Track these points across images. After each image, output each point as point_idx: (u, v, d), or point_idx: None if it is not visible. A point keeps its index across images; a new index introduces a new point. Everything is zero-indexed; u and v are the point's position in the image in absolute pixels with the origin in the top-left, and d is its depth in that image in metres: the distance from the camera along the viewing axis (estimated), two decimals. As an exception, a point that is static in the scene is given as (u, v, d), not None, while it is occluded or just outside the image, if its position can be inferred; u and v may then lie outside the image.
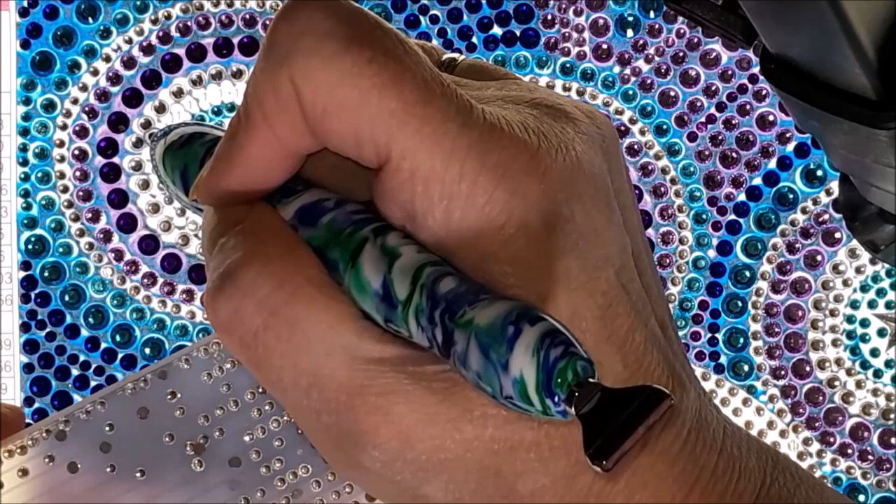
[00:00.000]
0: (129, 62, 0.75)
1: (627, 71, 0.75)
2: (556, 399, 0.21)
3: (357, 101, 0.23)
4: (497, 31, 0.75)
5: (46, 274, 0.75)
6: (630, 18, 0.75)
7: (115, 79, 0.74)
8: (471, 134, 0.24)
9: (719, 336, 0.75)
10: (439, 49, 0.29)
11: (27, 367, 0.74)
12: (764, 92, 0.74)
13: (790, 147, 0.75)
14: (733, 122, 0.75)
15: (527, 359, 0.21)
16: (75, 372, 0.75)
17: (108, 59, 0.74)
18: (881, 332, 0.75)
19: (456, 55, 0.29)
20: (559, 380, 0.21)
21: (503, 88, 0.27)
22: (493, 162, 0.24)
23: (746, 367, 0.75)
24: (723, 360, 0.75)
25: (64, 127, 0.74)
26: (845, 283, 0.75)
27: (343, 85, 0.23)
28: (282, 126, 0.24)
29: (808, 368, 0.75)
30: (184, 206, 0.26)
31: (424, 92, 0.24)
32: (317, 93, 0.24)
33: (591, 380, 0.21)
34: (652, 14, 0.74)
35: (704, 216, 0.75)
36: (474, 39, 0.75)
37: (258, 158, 0.25)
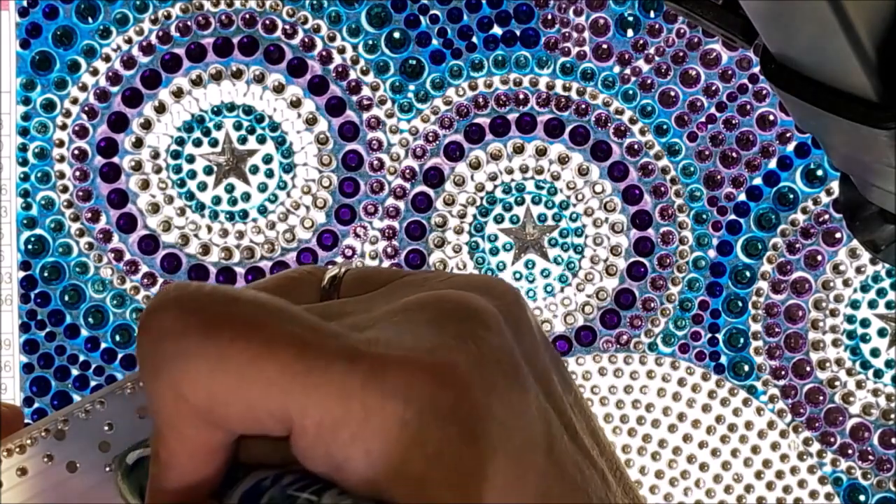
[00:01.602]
0: (129, 62, 0.74)
1: (627, 71, 0.75)
2: None
3: (235, 382, 0.24)
4: (497, 30, 0.75)
5: (46, 274, 0.75)
6: (630, 18, 0.74)
7: (114, 79, 0.74)
8: (360, 369, 0.23)
9: (719, 336, 0.75)
10: (318, 269, 0.29)
11: (27, 367, 0.74)
12: (764, 92, 0.74)
13: (790, 147, 0.75)
14: (733, 121, 0.75)
15: None
16: (75, 372, 0.75)
17: (107, 58, 0.74)
18: (882, 333, 0.74)
19: (337, 270, 0.29)
20: None
21: (391, 296, 0.27)
22: (391, 389, 0.23)
23: (747, 367, 0.75)
24: (723, 360, 0.75)
25: (64, 127, 0.74)
26: (846, 283, 0.75)
27: (217, 373, 0.24)
28: (187, 430, 0.24)
29: (808, 368, 0.75)
30: None
31: (300, 347, 0.23)
32: (197, 390, 0.24)
33: None
34: (652, 14, 0.74)
35: (705, 216, 0.75)
36: (474, 39, 0.75)
37: (184, 466, 0.25)
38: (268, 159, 0.75)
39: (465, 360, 0.24)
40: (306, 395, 0.23)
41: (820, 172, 0.75)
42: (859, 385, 0.75)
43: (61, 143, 0.74)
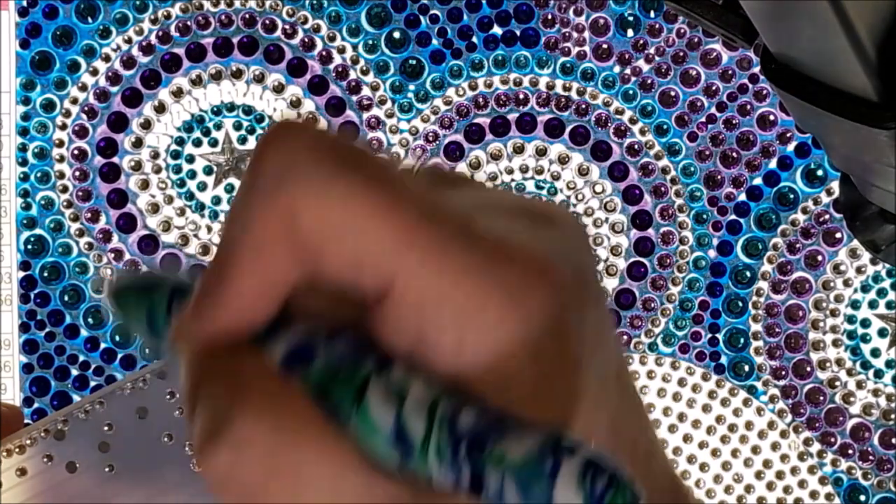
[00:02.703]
0: (129, 62, 0.74)
1: (628, 71, 0.75)
2: None
3: (358, 227, 0.23)
4: (497, 30, 0.75)
5: (46, 274, 0.75)
6: (630, 18, 0.74)
7: (114, 78, 0.74)
8: (476, 254, 0.23)
9: (720, 336, 0.75)
10: (395, 159, 0.29)
11: (27, 368, 0.74)
12: (764, 92, 0.74)
13: (791, 147, 0.75)
14: (734, 121, 0.75)
15: (572, 492, 0.20)
16: (75, 372, 0.75)
17: (107, 58, 0.74)
18: (882, 333, 0.74)
19: (414, 164, 0.28)
20: None
21: (476, 195, 0.26)
22: (501, 281, 0.23)
23: (747, 368, 0.75)
24: (723, 360, 0.75)
25: (63, 127, 0.74)
26: (846, 284, 0.75)
27: (342, 208, 0.23)
28: (274, 258, 0.23)
29: (808, 369, 0.75)
30: (152, 353, 0.26)
31: (423, 214, 0.23)
32: (313, 217, 0.23)
33: None
34: (652, 14, 0.74)
35: (705, 216, 0.75)
36: (474, 39, 0.75)
37: (246, 296, 0.24)
38: (268, 159, 0.75)
39: (564, 274, 0.23)
40: (420, 264, 0.22)
41: (820, 172, 0.75)
42: (860, 385, 0.75)
43: (61, 143, 0.74)
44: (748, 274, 0.75)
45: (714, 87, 0.74)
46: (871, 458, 0.75)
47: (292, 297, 0.24)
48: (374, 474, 0.22)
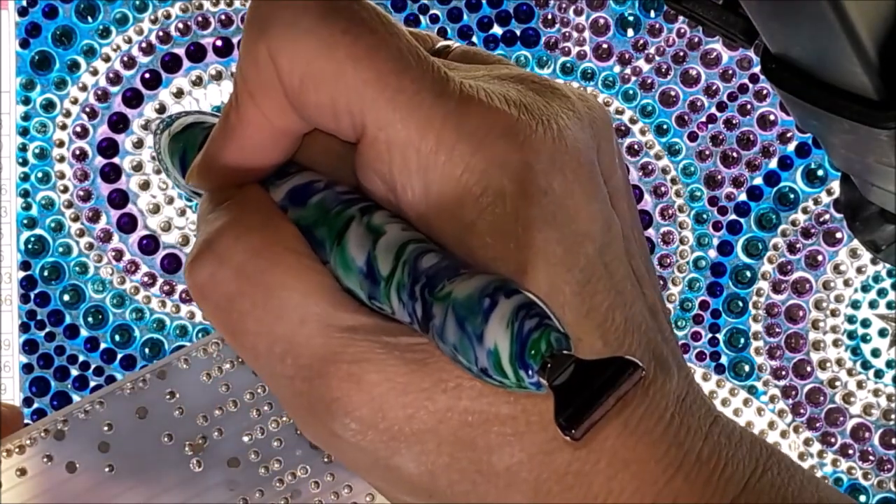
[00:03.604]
0: (129, 62, 0.74)
1: (628, 70, 0.75)
2: (530, 370, 0.21)
3: (332, 72, 0.24)
4: (497, 30, 0.75)
5: (46, 274, 0.75)
6: (630, 18, 0.74)
7: (114, 78, 0.74)
8: (447, 103, 0.24)
9: (720, 336, 0.75)
10: (434, 36, 0.29)
11: (26, 368, 0.74)
12: (765, 91, 0.74)
13: (791, 147, 0.75)
14: (734, 121, 0.75)
15: (501, 330, 0.21)
16: (74, 372, 0.74)
17: (107, 58, 0.74)
18: (882, 333, 0.74)
19: (451, 42, 0.29)
20: (532, 351, 0.21)
21: (493, 70, 0.27)
22: (469, 130, 0.23)
23: (747, 368, 0.75)
24: (723, 360, 0.75)
25: (64, 127, 0.74)
26: (846, 284, 0.75)
27: (318, 56, 0.24)
28: (266, 101, 0.24)
29: (808, 369, 0.75)
30: (185, 192, 0.27)
31: (399, 62, 0.24)
32: (293, 64, 0.24)
33: (564, 352, 0.21)
34: (652, 13, 0.74)
35: (705, 216, 0.75)
36: (474, 39, 0.75)
37: (249, 138, 0.25)
38: (268, 159, 0.75)
39: (542, 134, 0.24)
40: (389, 110, 0.23)
41: (821, 172, 0.75)
42: (860, 385, 0.75)
43: (61, 144, 0.74)
44: (748, 274, 0.75)
45: (714, 87, 0.74)
46: (871, 458, 0.75)
47: (302, 155, 0.25)
48: (342, 304, 0.24)
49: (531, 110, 0.24)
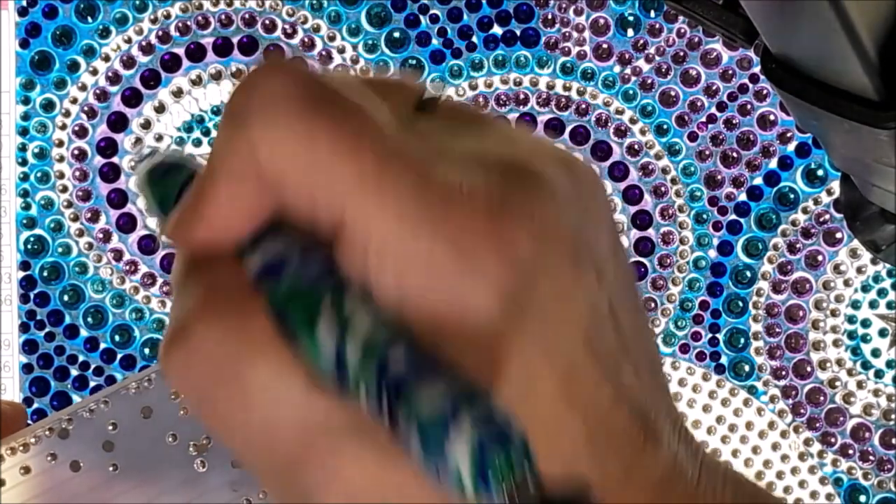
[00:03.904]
0: (129, 62, 0.74)
1: (628, 70, 0.75)
2: (492, 492, 0.21)
3: (312, 167, 0.24)
4: (497, 30, 0.75)
5: (45, 274, 0.75)
6: (630, 18, 0.74)
7: (114, 78, 0.74)
8: (427, 204, 0.23)
9: (720, 336, 0.75)
10: (422, 87, 0.29)
11: (26, 368, 0.74)
12: (765, 91, 0.74)
13: (791, 147, 0.75)
14: (734, 121, 0.75)
15: (462, 450, 0.21)
16: (74, 372, 0.74)
17: (107, 58, 0.74)
18: (882, 333, 0.75)
19: (438, 93, 0.29)
20: (493, 472, 0.21)
21: (480, 140, 0.27)
22: (448, 234, 0.23)
23: (747, 368, 0.75)
24: (724, 360, 0.75)
25: (63, 127, 0.74)
26: (846, 284, 0.75)
27: (299, 151, 0.24)
28: (243, 184, 0.24)
29: (809, 369, 0.75)
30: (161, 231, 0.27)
31: (382, 159, 0.24)
32: (273, 157, 0.24)
33: (528, 474, 0.21)
34: (652, 13, 0.74)
35: (705, 216, 0.75)
36: (474, 39, 0.75)
37: (223, 213, 0.25)
38: (268, 159, 0.75)
39: (524, 233, 0.24)
40: (368, 209, 0.23)
41: (821, 172, 0.75)
42: (860, 385, 0.75)
43: (61, 143, 0.74)
44: (748, 274, 0.75)
45: (714, 87, 0.74)
46: (871, 458, 0.75)
47: (283, 209, 0.25)
48: (317, 393, 0.23)
49: (513, 207, 0.24)
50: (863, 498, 0.75)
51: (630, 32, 0.74)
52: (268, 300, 0.24)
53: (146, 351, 0.74)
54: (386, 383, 0.22)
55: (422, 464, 0.22)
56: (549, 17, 0.75)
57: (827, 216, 0.75)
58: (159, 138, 0.75)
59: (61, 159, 0.74)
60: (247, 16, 0.75)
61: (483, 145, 0.26)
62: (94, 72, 0.74)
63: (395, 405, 0.22)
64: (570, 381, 0.24)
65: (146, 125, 0.75)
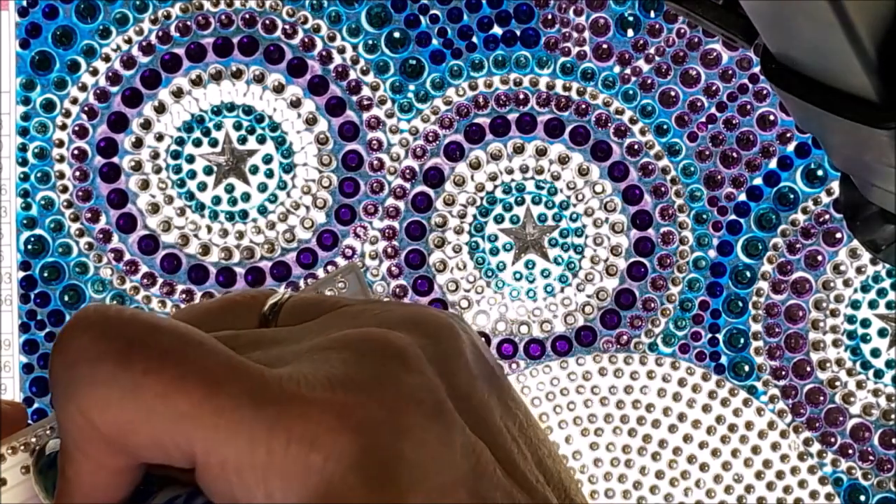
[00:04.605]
0: (129, 62, 0.74)
1: (628, 71, 0.75)
2: None
3: (145, 413, 0.24)
4: (497, 30, 0.75)
5: (46, 274, 0.75)
6: (630, 18, 0.75)
7: (114, 78, 0.74)
8: (269, 411, 0.23)
9: (720, 336, 0.75)
10: (264, 294, 0.29)
11: (26, 368, 0.74)
12: (765, 92, 0.74)
13: (791, 147, 0.75)
14: (734, 122, 0.75)
15: None
16: (75, 372, 0.75)
17: (107, 58, 0.74)
18: (882, 333, 0.75)
19: (280, 296, 0.29)
20: None
21: (324, 328, 0.27)
22: (298, 433, 0.23)
23: (747, 368, 0.75)
24: (723, 360, 0.75)
25: (63, 127, 0.74)
26: (846, 284, 0.75)
27: (126, 403, 0.24)
28: (92, 451, 0.25)
29: (808, 369, 0.75)
30: None
31: (211, 384, 0.24)
32: (104, 416, 0.24)
33: None
34: (652, 14, 0.74)
35: (705, 216, 0.75)
36: (474, 39, 0.75)
37: (89, 484, 0.25)
38: (268, 159, 0.75)
39: (377, 404, 0.24)
40: (213, 435, 0.24)
41: (820, 172, 0.75)
42: (860, 385, 0.75)
43: (61, 143, 0.74)
44: (748, 274, 0.75)
45: (714, 87, 0.74)
46: (871, 458, 0.75)
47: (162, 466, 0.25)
48: None
49: (359, 384, 0.24)
50: (862, 498, 0.75)
51: (630, 33, 0.75)
52: None
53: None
54: None
55: None
56: (549, 17, 0.75)
57: (827, 216, 0.75)
58: (159, 138, 0.75)
59: (61, 159, 0.74)
60: (247, 16, 0.75)
61: (331, 330, 0.26)
62: (95, 72, 0.74)
63: None
64: None
65: (146, 125, 0.75)
